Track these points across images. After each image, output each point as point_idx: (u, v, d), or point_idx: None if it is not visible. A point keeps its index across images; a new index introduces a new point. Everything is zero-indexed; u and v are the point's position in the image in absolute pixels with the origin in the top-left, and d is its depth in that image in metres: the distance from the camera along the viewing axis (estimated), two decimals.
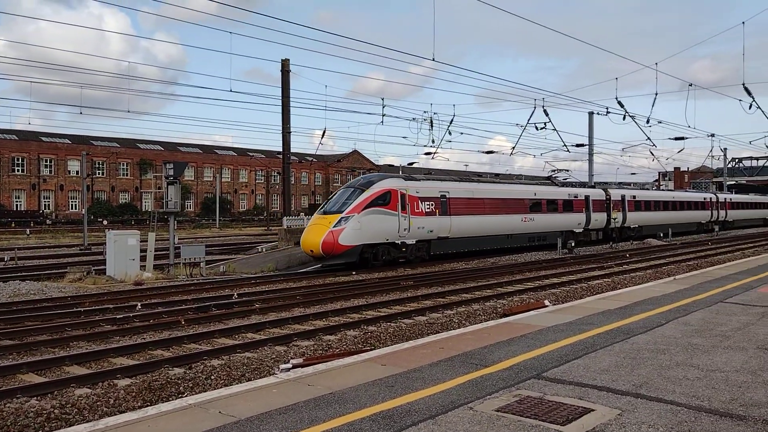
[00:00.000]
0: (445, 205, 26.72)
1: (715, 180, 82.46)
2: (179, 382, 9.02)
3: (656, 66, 31.61)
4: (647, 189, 54.21)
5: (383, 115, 33.70)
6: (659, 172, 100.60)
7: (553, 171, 40.57)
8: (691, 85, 34.33)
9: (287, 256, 27.40)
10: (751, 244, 37.17)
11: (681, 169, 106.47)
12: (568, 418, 5.21)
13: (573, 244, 33.07)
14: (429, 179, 28.07)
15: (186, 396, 7.94)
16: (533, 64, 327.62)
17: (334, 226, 22.69)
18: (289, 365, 9.43)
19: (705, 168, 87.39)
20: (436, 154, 42.21)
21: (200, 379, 9.20)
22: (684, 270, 22.44)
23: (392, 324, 13.53)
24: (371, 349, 9.51)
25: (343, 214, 22.98)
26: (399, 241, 24.86)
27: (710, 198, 54.44)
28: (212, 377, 9.32)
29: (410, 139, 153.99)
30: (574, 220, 35.60)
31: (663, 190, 62.38)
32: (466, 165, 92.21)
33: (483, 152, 58.26)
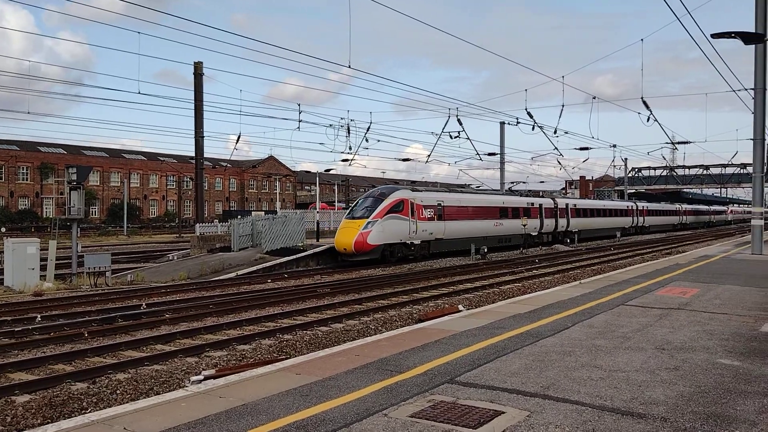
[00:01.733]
0: (440, 212, 31.96)
1: (616, 188, 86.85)
2: (82, 397, 8.58)
3: (563, 79, 32.98)
4: (576, 197, 61.77)
5: (300, 121, 33.68)
6: (566, 181, 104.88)
7: (512, 183, 46.49)
8: (594, 98, 36.03)
9: (200, 264, 26.67)
10: (649, 250, 39.37)
11: (586, 178, 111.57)
12: (480, 421, 5.31)
13: (486, 250, 34.02)
14: (428, 190, 33.74)
15: (89, 412, 7.54)
16: (448, 74, 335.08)
17: (363, 229, 27.42)
18: (201, 377, 9.16)
19: (608, 177, 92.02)
20: (353, 161, 42.29)
21: (105, 394, 8.78)
22: (589, 274, 23.46)
23: (308, 332, 13.42)
24: (286, 358, 9.38)
25: (369, 219, 27.74)
26: (409, 242, 29.83)
27: (631, 206, 62.57)
28: (118, 392, 8.91)
29: (327, 146, 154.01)
30: (531, 225, 41.08)
31: (596, 199, 68.17)
32: (383, 172, 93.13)
33: (400, 159, 58.88)
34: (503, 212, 38.02)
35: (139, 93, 34.27)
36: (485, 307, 12.55)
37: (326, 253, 29.95)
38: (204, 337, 12.92)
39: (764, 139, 24.96)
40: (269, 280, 22.99)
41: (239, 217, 38.55)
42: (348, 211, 31.30)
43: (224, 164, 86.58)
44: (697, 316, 10.62)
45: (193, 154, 37.89)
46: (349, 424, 5.25)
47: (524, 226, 39.63)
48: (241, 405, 5.81)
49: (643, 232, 64.54)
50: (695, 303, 12.17)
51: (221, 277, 24.03)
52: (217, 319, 14.80)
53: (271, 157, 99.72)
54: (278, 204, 73.86)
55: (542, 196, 46.19)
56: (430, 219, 31.07)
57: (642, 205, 65.91)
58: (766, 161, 23.58)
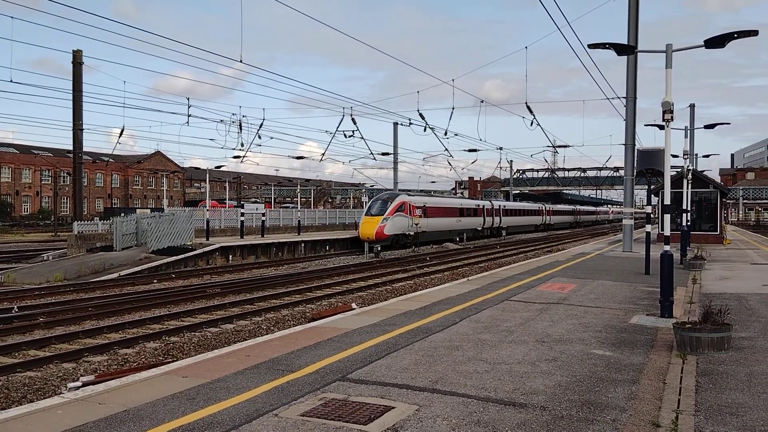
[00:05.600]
0: (425, 211, 42.06)
1: (502, 189, 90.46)
2: None
3: (453, 82, 33.90)
4: (502, 201, 69.21)
5: (189, 116, 32.28)
6: (456, 181, 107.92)
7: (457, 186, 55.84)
8: (482, 101, 37.30)
9: (78, 264, 25.16)
10: (532, 248, 41.37)
11: (475, 179, 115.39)
12: (370, 417, 5.38)
13: (379, 249, 34.49)
14: (416, 195, 44.77)
15: None
16: (344, 73, 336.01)
17: (380, 223, 36.55)
18: (79, 383, 8.69)
19: (494, 178, 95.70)
20: (245, 158, 41.55)
21: None
22: (476, 272, 24.32)
23: (197, 334, 13.02)
24: (173, 361, 9.05)
25: (384, 216, 37.04)
26: (407, 233, 39.31)
27: (542, 207, 74.62)
28: None
29: (218, 142, 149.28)
30: (478, 222, 52.48)
31: (513, 201, 73.87)
32: (277, 170, 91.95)
33: (294, 158, 58.32)
34: (461, 212, 49.27)
35: (11, 81, 31.74)
36: (378, 305, 12.70)
37: (217, 252, 29.19)
38: (83, 342, 12.21)
39: (635, 145, 26.88)
40: (155, 281, 22.06)
41: (122, 214, 36.70)
42: (365, 210, 40.63)
43: (106, 159, 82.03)
44: (574, 310, 11.29)
45: (71, 147, 35.64)
46: (238, 426, 5.15)
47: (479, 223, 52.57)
48: (123, 411, 5.55)
49: (549, 229, 75.98)
50: (572, 298, 12.93)
51: (102, 278, 22.78)
52: (97, 322, 14.04)
53: (157, 153, 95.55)
54: (165, 201, 71.03)
55: (483, 199, 60.07)
56: (420, 216, 41.15)
57: (549, 206, 78.66)
58: (635, 165, 25.39)
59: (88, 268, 24.54)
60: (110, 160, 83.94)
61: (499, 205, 59.32)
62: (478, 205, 54.22)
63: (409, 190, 57.17)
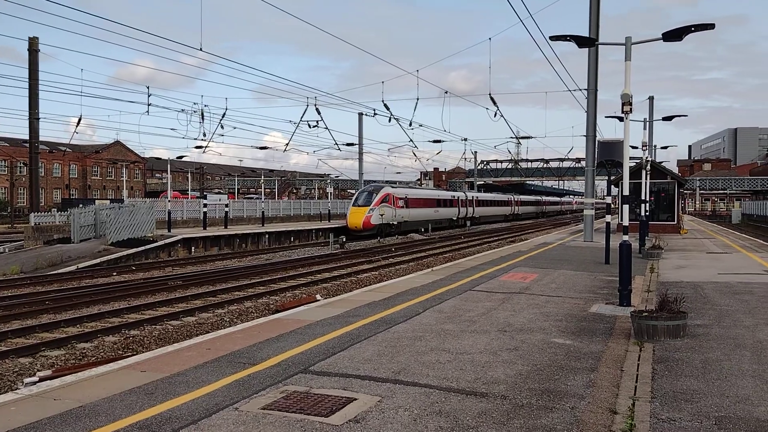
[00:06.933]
0: (407, 202, 45.05)
1: (467, 180, 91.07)
2: None
3: (417, 73, 33.98)
4: (475, 192, 72.29)
5: (149, 105, 31.68)
6: (421, 172, 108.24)
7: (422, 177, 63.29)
8: (447, 92, 37.46)
9: (35, 256, 24.55)
10: (496, 238, 41.77)
11: (440, 170, 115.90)
12: (332, 409, 5.36)
13: (344, 240, 34.40)
14: (400, 188, 48.56)
15: None
16: (310, 63, 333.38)
17: (367, 213, 39.71)
18: (36, 378, 8.50)
19: (459, 169, 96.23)
20: (207, 148, 40.97)
21: None
22: (441, 262, 24.46)
23: (157, 327, 12.82)
24: (132, 355, 8.89)
25: (370, 207, 40.14)
26: (391, 222, 42.19)
27: (512, 198, 77.85)
28: None
29: (180, 132, 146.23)
30: (454, 212, 56.07)
31: (478, 192, 74.82)
32: (241, 160, 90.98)
33: (258, 148, 57.69)
34: (439, 203, 52.85)
35: None
36: (342, 296, 12.68)
37: (179, 243, 28.76)
38: (39, 336, 11.92)
39: (596, 136, 27.29)
40: (115, 273, 21.64)
41: (81, 205, 35.89)
42: (353, 201, 43.18)
43: (64, 149, 79.93)
44: (536, 300, 11.44)
45: (27, 137, 34.65)
46: (198, 420, 5.08)
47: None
48: (79, 407, 5.43)
49: (518, 219, 79.12)
50: (534, 287, 13.10)
51: (60, 271, 22.26)
52: (55, 316, 13.72)
53: (117, 142, 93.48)
54: (125, 192, 69.62)
55: (458, 191, 63.60)
56: (402, 207, 44.10)
57: (518, 197, 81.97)
58: (596, 156, 25.78)
59: (46, 260, 23.97)
60: (68, 149, 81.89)
61: (473, 196, 62.63)
62: (454, 197, 57.54)
63: (394, 182, 61.73)
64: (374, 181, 58.11)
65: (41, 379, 8.21)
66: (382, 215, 40.94)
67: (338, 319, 9.49)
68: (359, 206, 40.89)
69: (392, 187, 45.81)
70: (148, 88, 31.57)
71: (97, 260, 24.47)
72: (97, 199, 72.12)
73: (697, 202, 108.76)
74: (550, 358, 7.18)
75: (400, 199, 44.11)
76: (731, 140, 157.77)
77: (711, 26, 10.83)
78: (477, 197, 64.33)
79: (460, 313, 9.97)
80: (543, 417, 5.23)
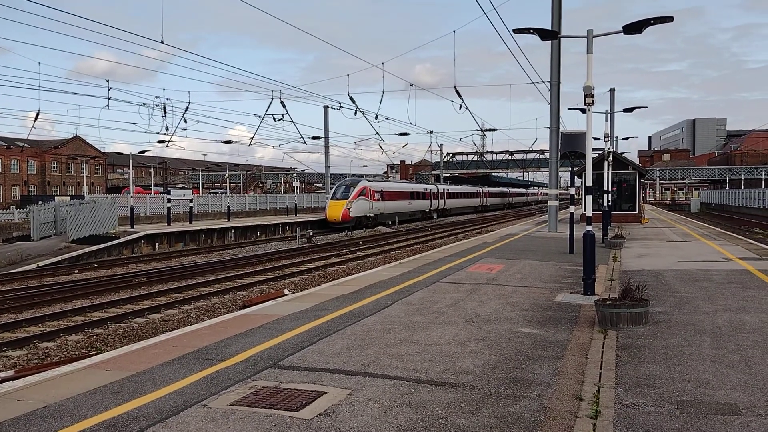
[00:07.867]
0: (382, 195, 47.36)
1: (433, 173, 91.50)
2: None
3: (383, 66, 33.86)
4: (447, 185, 74.78)
5: (109, 99, 30.97)
6: (387, 165, 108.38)
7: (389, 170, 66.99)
8: (412, 85, 37.50)
9: None
10: (463, 230, 42.09)
11: (406, 163, 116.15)
12: (302, 403, 5.35)
13: (311, 234, 34.24)
14: (376, 181, 50.02)
15: None
16: (274, 55, 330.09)
17: (346, 207, 41.45)
18: None
19: (425, 161, 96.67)
20: (170, 143, 40.37)
21: None
22: (408, 254, 24.55)
23: (122, 325, 12.63)
24: (96, 354, 8.73)
25: (348, 200, 41.85)
26: (368, 215, 44.34)
27: (480, 190, 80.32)
28: None
29: (141, 126, 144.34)
30: (426, 205, 58.68)
31: (445, 184, 75.85)
32: (205, 155, 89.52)
33: (222, 142, 56.95)
34: (412, 195, 55.52)
35: None
36: (310, 290, 12.64)
37: (142, 239, 28.31)
38: (0, 336, 11.63)
39: (559, 128, 27.63)
40: (76, 271, 21.21)
41: (40, 202, 35.04)
42: (331, 195, 44.40)
43: (21, 144, 77.84)
44: (503, 290, 11.57)
45: None
46: (165, 418, 5.02)
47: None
48: (43, 407, 5.32)
49: (487, 210, 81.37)
50: (501, 278, 13.24)
51: (20, 269, 21.72)
52: (16, 315, 13.40)
53: (76, 137, 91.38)
54: (86, 188, 68.24)
55: (431, 184, 66.82)
56: (378, 200, 46.17)
57: (486, 189, 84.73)
58: (560, 148, 26.10)
59: (5, 258, 23.37)
60: (26, 145, 79.76)
61: (444, 189, 65.64)
62: (426, 189, 60.42)
63: (368, 176, 63.88)
64: (342, 175, 60.23)
65: (3, 380, 8.01)
66: (360, 208, 42.79)
67: (307, 314, 9.47)
68: (338, 199, 42.39)
69: (369, 180, 47.84)
70: (108, 81, 30.87)
71: (58, 258, 23.94)
72: (57, 195, 70.49)
73: (658, 192, 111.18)
74: (517, 348, 7.28)
75: (377, 192, 46.14)
76: (690, 131, 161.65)
77: (670, 19, 11.05)
78: (448, 190, 67.15)
79: (429, 305, 10.03)
80: (511, 405, 5.31)
